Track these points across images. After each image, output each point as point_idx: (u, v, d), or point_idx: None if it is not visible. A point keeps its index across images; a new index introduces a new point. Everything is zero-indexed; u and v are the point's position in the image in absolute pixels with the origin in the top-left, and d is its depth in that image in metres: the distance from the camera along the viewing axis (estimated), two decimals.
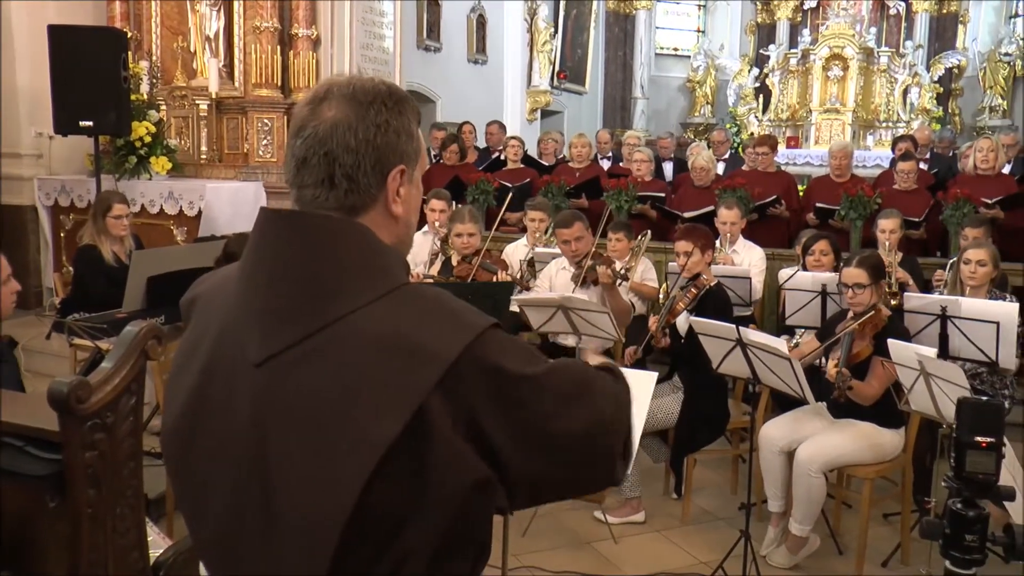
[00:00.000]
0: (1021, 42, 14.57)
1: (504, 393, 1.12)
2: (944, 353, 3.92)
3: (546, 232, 5.68)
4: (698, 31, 17.72)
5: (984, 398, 1.76)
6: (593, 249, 4.79)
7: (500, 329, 1.18)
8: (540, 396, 1.16)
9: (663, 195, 7.10)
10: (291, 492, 1.10)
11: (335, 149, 1.18)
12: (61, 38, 6.45)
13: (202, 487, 1.21)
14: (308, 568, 1.08)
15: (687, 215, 6.42)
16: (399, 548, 1.09)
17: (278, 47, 7.61)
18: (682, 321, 4.31)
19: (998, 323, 3.87)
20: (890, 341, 3.60)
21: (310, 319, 1.13)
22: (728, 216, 5.58)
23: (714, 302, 4.33)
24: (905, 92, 14.90)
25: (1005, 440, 1.68)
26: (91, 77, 6.38)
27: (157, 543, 2.22)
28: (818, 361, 4.23)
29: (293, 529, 1.10)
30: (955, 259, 4.70)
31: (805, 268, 4.99)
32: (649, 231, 5.17)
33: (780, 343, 3.55)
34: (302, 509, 1.09)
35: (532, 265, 5.43)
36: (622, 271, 4.69)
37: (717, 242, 5.45)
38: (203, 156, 7.76)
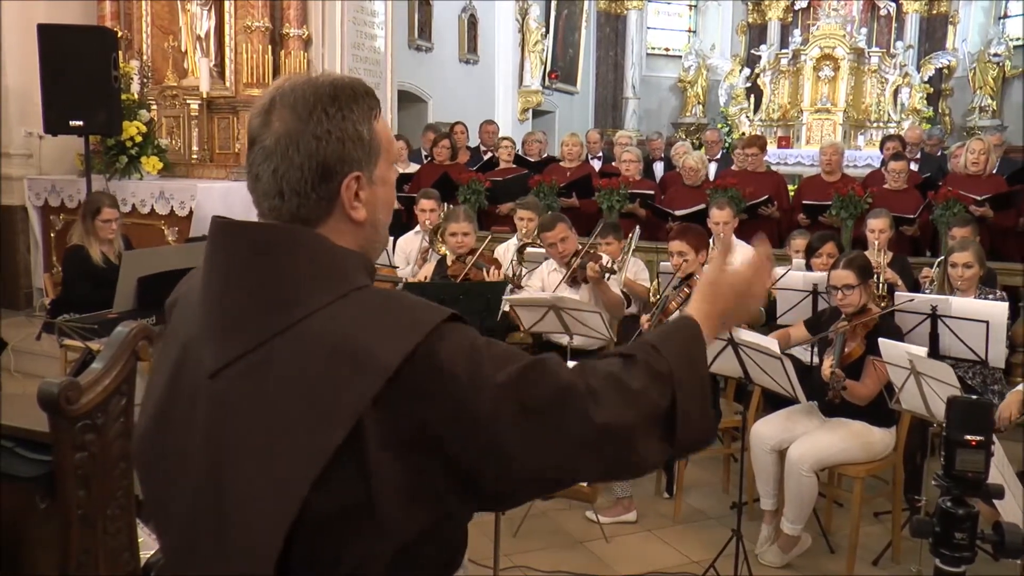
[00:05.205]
0: (1010, 43, 14.63)
1: (456, 401, 1.10)
2: (935, 352, 3.94)
3: (535, 232, 5.68)
4: (689, 31, 17.75)
5: (974, 396, 1.77)
6: (582, 248, 4.80)
7: (459, 323, 1.16)
8: (498, 407, 1.11)
9: (652, 193, 7.12)
10: (240, 498, 1.11)
11: (280, 165, 1.18)
12: (51, 37, 6.41)
13: (166, 495, 1.23)
14: (252, 569, 1.09)
15: (678, 213, 6.44)
16: (355, 553, 1.10)
17: (269, 47, 7.59)
18: None
19: (988, 322, 3.89)
20: (881, 340, 3.61)
21: (259, 329, 1.14)
22: (720, 216, 5.59)
23: None
24: (896, 92, 14.97)
25: (994, 438, 1.69)
26: (81, 76, 6.34)
27: (148, 544, 2.21)
28: (810, 361, 4.24)
29: (241, 533, 1.11)
30: (943, 258, 4.72)
31: (809, 268, 4.98)
32: (638, 227, 5.17)
33: (772, 343, 3.55)
34: (249, 515, 1.10)
35: (522, 252, 5.43)
36: (609, 264, 4.70)
37: (710, 241, 5.46)
38: (194, 156, 7.72)
